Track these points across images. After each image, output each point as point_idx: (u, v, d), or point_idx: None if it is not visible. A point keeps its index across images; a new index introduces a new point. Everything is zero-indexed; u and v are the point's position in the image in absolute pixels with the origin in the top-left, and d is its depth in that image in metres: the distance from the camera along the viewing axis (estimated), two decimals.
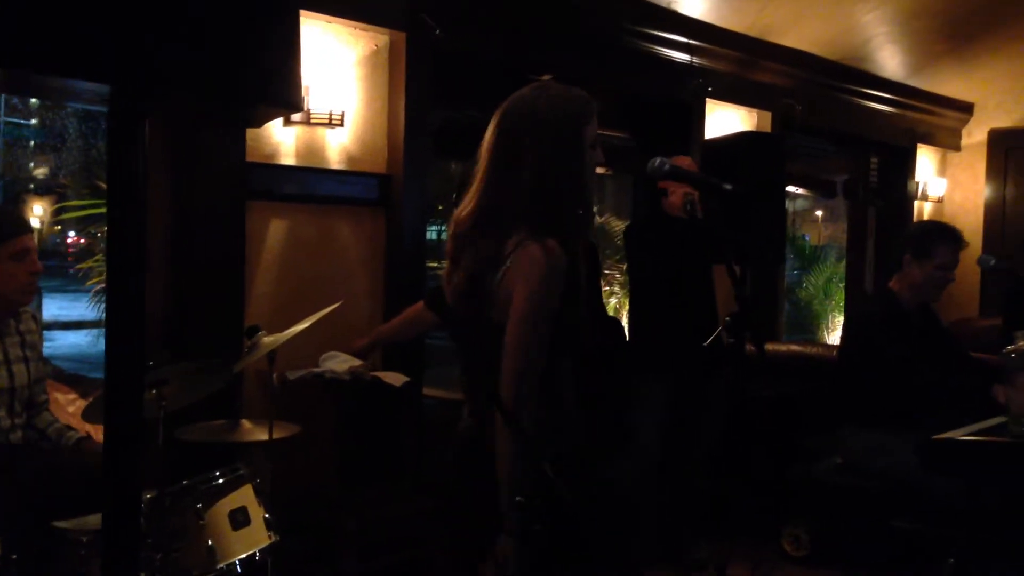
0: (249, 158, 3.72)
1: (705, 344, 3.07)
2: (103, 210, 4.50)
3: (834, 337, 9.62)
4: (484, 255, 2.03)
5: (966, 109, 8.03)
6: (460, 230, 2.11)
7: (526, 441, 1.93)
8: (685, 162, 4.33)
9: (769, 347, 5.02)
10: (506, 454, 1.99)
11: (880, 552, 3.95)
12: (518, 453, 1.97)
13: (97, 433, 3.21)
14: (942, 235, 3.85)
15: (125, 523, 1.21)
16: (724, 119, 5.87)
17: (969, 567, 3.52)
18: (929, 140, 7.90)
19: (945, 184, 8.23)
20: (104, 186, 4.40)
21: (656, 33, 5.20)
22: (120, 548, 1.21)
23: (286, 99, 1.27)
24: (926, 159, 8.02)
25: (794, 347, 5.48)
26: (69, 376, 3.91)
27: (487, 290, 2.02)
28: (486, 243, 2.04)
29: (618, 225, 8.54)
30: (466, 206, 2.11)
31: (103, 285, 4.39)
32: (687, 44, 5.35)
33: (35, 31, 1.10)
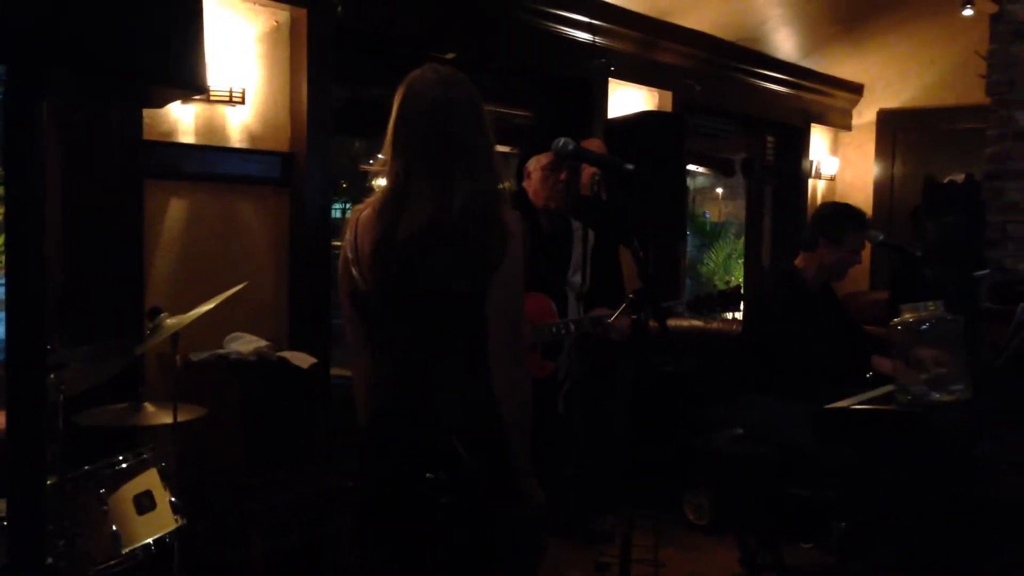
0: (146, 136, 3.63)
1: (610, 321, 3.15)
2: None
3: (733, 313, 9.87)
4: (476, 247, 2.00)
5: (856, 90, 8.32)
6: (386, 209, 2.04)
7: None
8: (595, 144, 4.39)
9: (671, 323, 5.13)
10: (521, 396, 2.04)
11: (777, 518, 4.10)
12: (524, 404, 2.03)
13: None
14: (855, 221, 3.99)
15: (30, 509, 1.19)
16: (626, 98, 5.96)
17: (860, 531, 3.69)
18: (822, 120, 8.17)
19: (837, 163, 8.52)
20: None
21: (559, 13, 5.24)
22: (26, 534, 1.20)
23: (190, 80, 1.25)
24: (819, 138, 8.28)
25: (695, 322, 5.60)
26: None
27: (480, 272, 1.99)
28: (472, 223, 2.00)
29: None
30: (392, 187, 2.05)
31: None
32: (590, 24, 5.40)
33: None
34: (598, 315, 3.35)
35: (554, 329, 3.40)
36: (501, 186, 2.09)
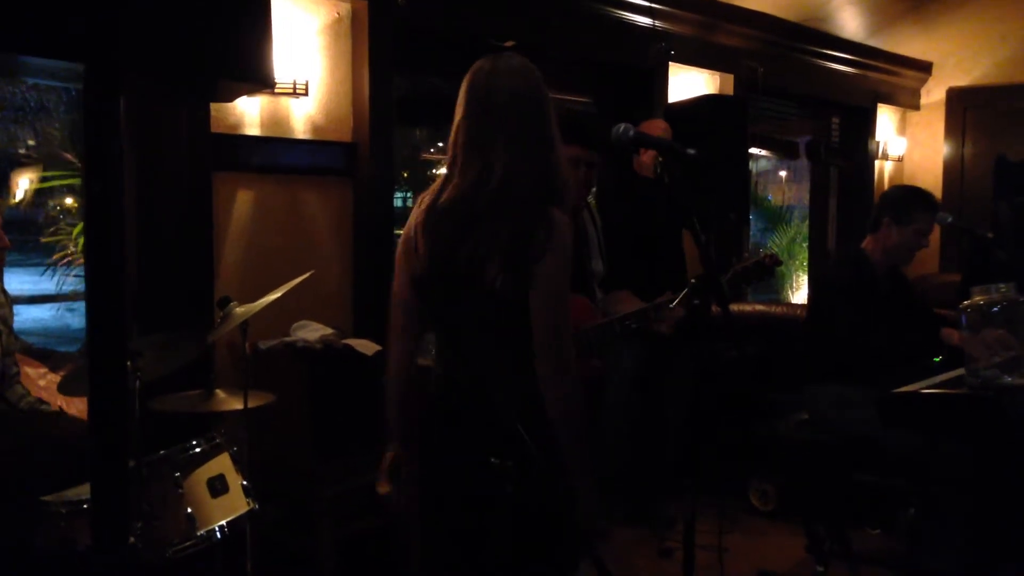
0: (213, 129, 3.71)
1: (672, 305, 3.11)
2: (69, 181, 4.47)
3: (799, 296, 9.74)
4: (511, 225, 2.01)
5: (925, 68, 8.12)
6: (449, 202, 2.07)
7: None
8: (660, 126, 4.33)
9: (735, 308, 5.10)
10: (568, 399, 2.04)
11: (844, 504, 4.06)
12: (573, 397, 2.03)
13: (69, 406, 3.22)
14: (922, 201, 3.92)
15: (114, 492, 1.24)
16: (687, 82, 5.91)
17: (928, 518, 3.63)
18: (889, 100, 7.99)
19: (905, 143, 8.34)
20: (71, 158, 4.38)
21: None
22: (110, 517, 1.25)
23: (259, 75, 1.29)
24: (886, 119, 8.12)
25: (759, 307, 5.56)
26: (38, 350, 3.90)
27: (520, 263, 2.00)
28: (511, 218, 2.01)
29: None
30: (455, 181, 2.08)
31: (68, 259, 4.36)
32: (649, 8, 5.36)
33: (8, 10, 1.11)
34: (646, 309, 3.20)
35: (601, 331, 3.16)
36: (555, 180, 2.06)
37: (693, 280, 3.13)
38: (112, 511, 1.25)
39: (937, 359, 3.62)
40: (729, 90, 6.13)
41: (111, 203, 1.23)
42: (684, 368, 4.53)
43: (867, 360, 3.73)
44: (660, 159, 4.18)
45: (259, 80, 1.31)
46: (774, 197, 12.81)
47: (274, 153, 3.91)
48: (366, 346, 3.73)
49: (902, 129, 8.37)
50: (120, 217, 1.25)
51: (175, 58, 1.20)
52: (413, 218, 2.17)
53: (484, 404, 2.03)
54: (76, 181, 4.33)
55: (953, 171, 8.22)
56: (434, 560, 2.31)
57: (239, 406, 3.03)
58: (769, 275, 3.34)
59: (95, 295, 1.26)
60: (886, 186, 7.80)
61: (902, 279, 4.10)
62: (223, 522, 2.83)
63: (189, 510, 2.76)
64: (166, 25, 1.18)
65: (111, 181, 1.23)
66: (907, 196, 3.98)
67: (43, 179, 4.53)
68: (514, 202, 2.01)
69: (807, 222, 8.86)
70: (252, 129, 3.85)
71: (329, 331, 3.76)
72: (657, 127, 4.28)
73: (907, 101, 8.23)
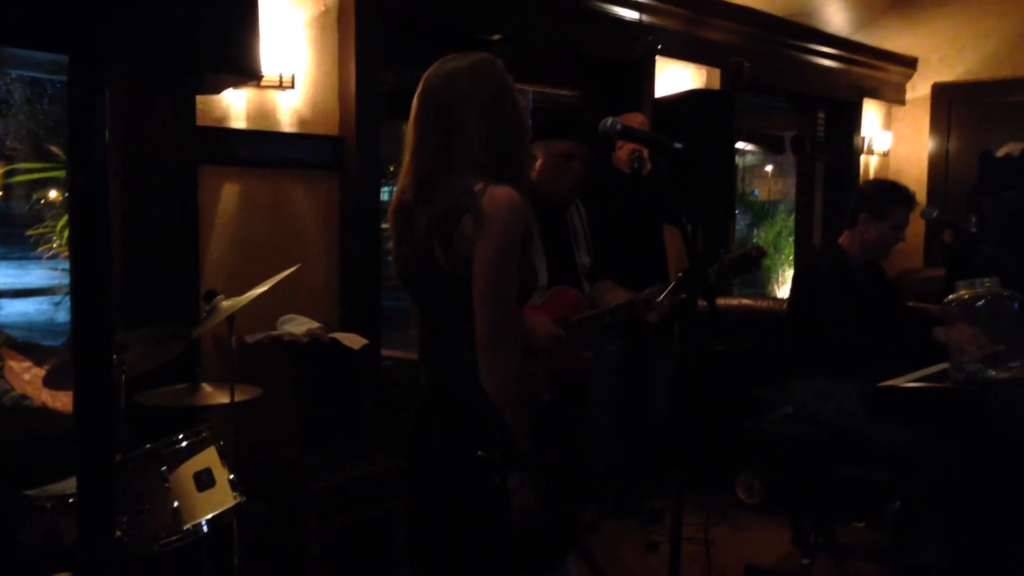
0: (199, 122, 3.69)
1: (659, 299, 3.11)
2: (53, 174, 4.44)
3: (784, 291, 9.78)
4: (440, 212, 2.05)
5: (910, 64, 8.16)
6: (405, 200, 2.12)
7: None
8: (637, 119, 4.37)
9: (720, 302, 5.11)
10: (512, 390, 2.01)
11: (829, 498, 4.09)
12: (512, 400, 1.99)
13: (53, 400, 3.21)
14: (898, 195, 3.94)
15: (100, 486, 1.24)
16: (674, 76, 5.92)
17: (913, 511, 3.66)
18: (874, 95, 8.03)
19: (890, 138, 8.37)
20: (55, 150, 4.34)
21: None
22: (96, 511, 1.24)
23: (246, 66, 1.28)
24: (872, 113, 8.15)
25: (745, 301, 5.58)
26: (22, 344, 3.88)
27: (449, 245, 2.03)
28: (439, 201, 2.05)
29: None
30: (405, 178, 2.14)
31: (53, 252, 4.34)
32: (636, 2, 5.37)
33: None
34: (634, 300, 3.19)
35: (592, 322, 3.11)
36: (499, 161, 2.07)
37: (680, 273, 3.14)
38: (98, 505, 1.25)
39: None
40: (716, 84, 6.14)
41: (96, 196, 1.22)
42: (666, 362, 4.54)
43: (847, 353, 3.75)
44: (635, 155, 4.19)
45: (246, 72, 1.30)
46: (760, 192, 12.84)
47: (260, 146, 3.90)
48: (353, 340, 3.73)
49: (887, 124, 8.40)
50: (105, 211, 1.25)
51: (161, 49, 1.19)
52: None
53: (458, 396, 2.04)
54: (60, 174, 4.30)
55: (938, 166, 8.27)
56: (424, 554, 2.31)
57: (225, 400, 3.02)
58: (756, 267, 3.35)
59: (80, 289, 1.26)
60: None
61: (880, 274, 4.13)
62: (209, 516, 2.83)
63: (175, 504, 2.76)
64: (152, 16, 1.17)
65: (96, 174, 1.22)
66: (882, 191, 4.00)
67: (27, 171, 4.49)
68: (442, 187, 2.05)
69: (793, 217, 8.89)
70: (238, 122, 3.83)
71: (316, 325, 3.75)
72: (634, 120, 4.29)
73: (892, 96, 8.27)
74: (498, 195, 2.01)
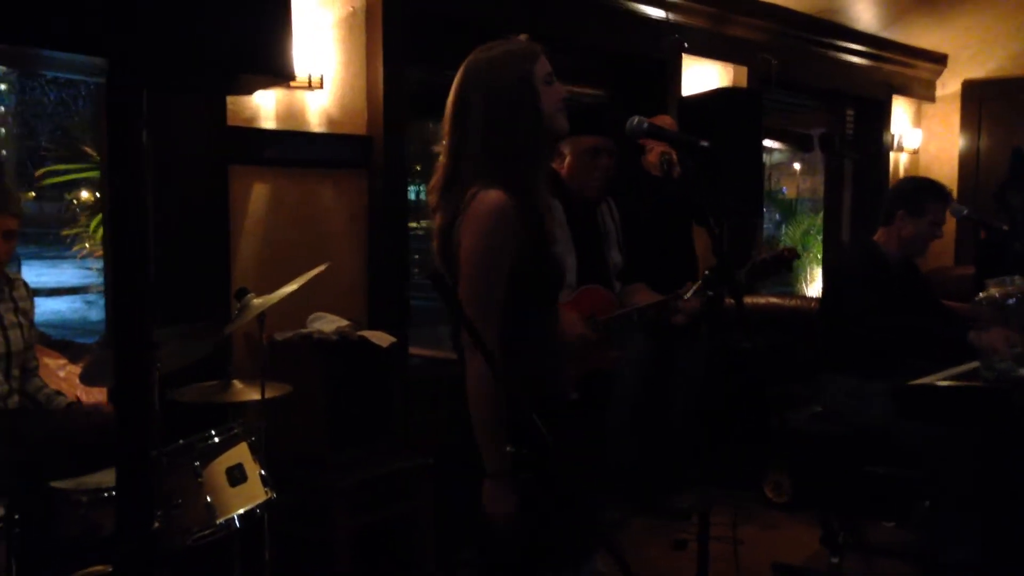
0: (229, 122, 3.73)
1: (687, 296, 3.11)
2: (86, 175, 4.50)
3: (812, 289, 9.73)
4: (448, 212, 2.08)
5: (940, 60, 8.09)
6: (433, 197, 2.16)
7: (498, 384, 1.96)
8: (666, 121, 4.36)
9: (748, 300, 5.10)
10: (475, 396, 2.03)
11: (858, 497, 4.07)
12: (487, 395, 2.00)
13: (87, 396, 3.26)
14: (935, 193, 3.92)
15: (139, 480, 1.26)
16: (700, 74, 5.90)
17: (943, 510, 3.64)
18: (904, 92, 7.96)
19: (920, 135, 8.30)
20: (88, 151, 4.41)
21: None
22: (133, 504, 1.27)
23: (280, 67, 1.30)
24: (901, 111, 8.08)
25: (773, 299, 5.56)
26: (56, 342, 3.94)
27: (451, 247, 2.06)
28: (449, 201, 2.09)
29: None
30: (435, 174, 2.17)
31: (87, 252, 4.41)
32: (662, 0, 5.36)
33: (33, 6, 1.12)
34: (666, 299, 3.20)
35: (620, 321, 3.13)
36: (496, 163, 2.07)
37: (707, 272, 3.14)
38: (136, 499, 1.27)
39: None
40: (743, 82, 6.12)
41: (135, 197, 1.25)
42: (694, 360, 4.54)
43: (880, 351, 3.73)
44: (665, 157, 4.18)
45: (280, 73, 1.32)
46: (788, 190, 12.77)
47: (290, 146, 3.93)
48: (381, 338, 3.76)
49: (917, 121, 8.33)
50: (144, 211, 1.26)
51: (198, 51, 1.21)
52: None
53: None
54: (94, 174, 4.36)
55: (969, 163, 8.19)
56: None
57: (256, 396, 3.05)
58: (787, 269, 3.35)
59: (120, 288, 1.28)
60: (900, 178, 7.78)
61: (915, 271, 4.10)
62: (242, 511, 2.87)
63: (208, 498, 2.79)
64: (189, 18, 1.19)
65: (135, 175, 1.25)
66: (920, 187, 3.98)
67: (62, 172, 4.56)
68: (449, 193, 2.09)
69: (821, 215, 8.85)
70: (268, 122, 3.87)
71: (344, 323, 3.78)
72: (663, 122, 4.28)
73: (922, 93, 8.20)
74: (483, 199, 2.02)
